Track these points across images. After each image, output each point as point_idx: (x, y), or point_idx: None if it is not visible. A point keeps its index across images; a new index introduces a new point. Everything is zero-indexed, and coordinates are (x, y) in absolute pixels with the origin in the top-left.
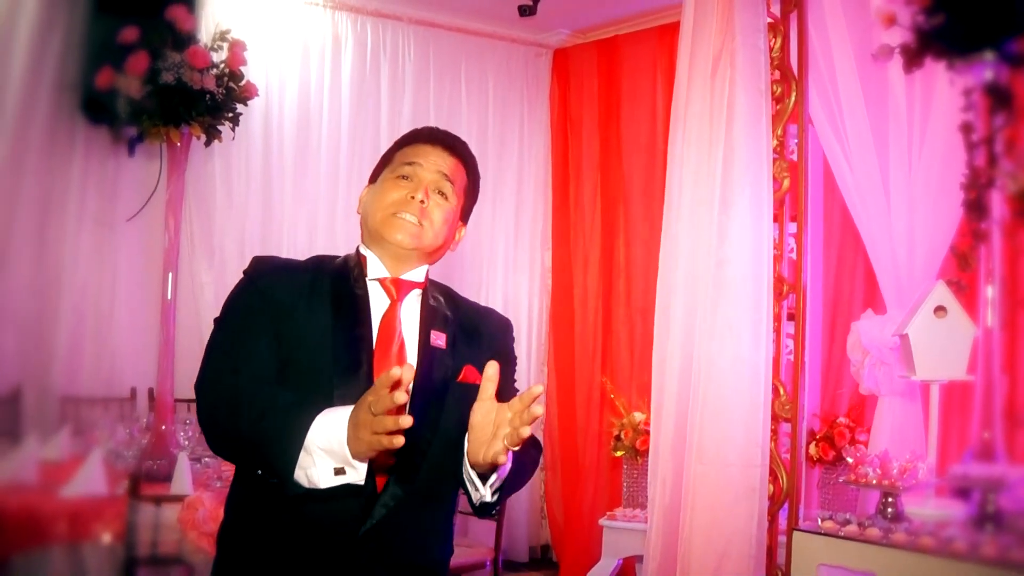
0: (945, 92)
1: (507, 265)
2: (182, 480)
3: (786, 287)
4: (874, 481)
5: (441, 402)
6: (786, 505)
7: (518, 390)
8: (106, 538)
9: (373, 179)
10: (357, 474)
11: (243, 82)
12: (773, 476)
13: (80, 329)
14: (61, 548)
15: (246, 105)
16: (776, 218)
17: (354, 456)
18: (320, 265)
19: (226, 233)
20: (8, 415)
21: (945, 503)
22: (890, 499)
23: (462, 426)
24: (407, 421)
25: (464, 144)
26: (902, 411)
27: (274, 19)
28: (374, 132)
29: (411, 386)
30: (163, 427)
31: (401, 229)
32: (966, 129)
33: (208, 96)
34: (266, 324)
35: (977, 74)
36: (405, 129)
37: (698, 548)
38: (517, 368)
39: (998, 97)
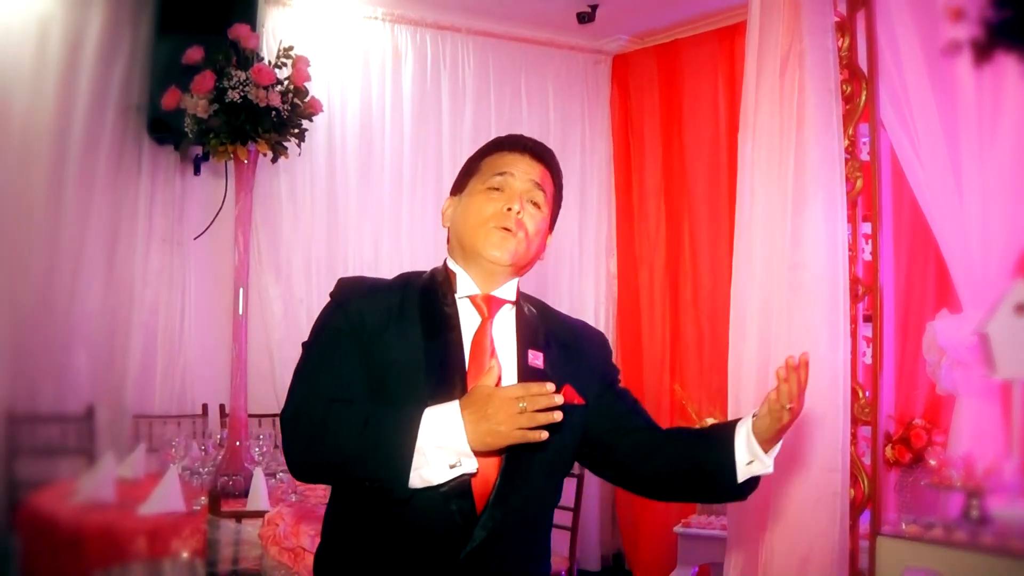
0: (1017, 86)
1: (572, 272)
2: (258, 496)
3: (862, 288)
4: (958, 483)
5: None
6: (867, 510)
7: (633, 396)
8: (185, 554)
9: (457, 190)
10: (471, 463)
11: (308, 98)
12: (854, 480)
13: (151, 347)
14: (140, 564)
15: (311, 120)
16: (850, 219)
17: (473, 447)
18: (408, 283)
19: (293, 248)
20: (82, 433)
21: None
22: (975, 501)
23: (562, 448)
24: (558, 416)
25: (550, 151)
26: (982, 412)
27: (334, 34)
28: (436, 144)
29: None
30: (237, 443)
31: (497, 245)
32: None
33: (274, 113)
34: (355, 348)
35: None
36: (467, 140)
37: (780, 554)
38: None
39: None
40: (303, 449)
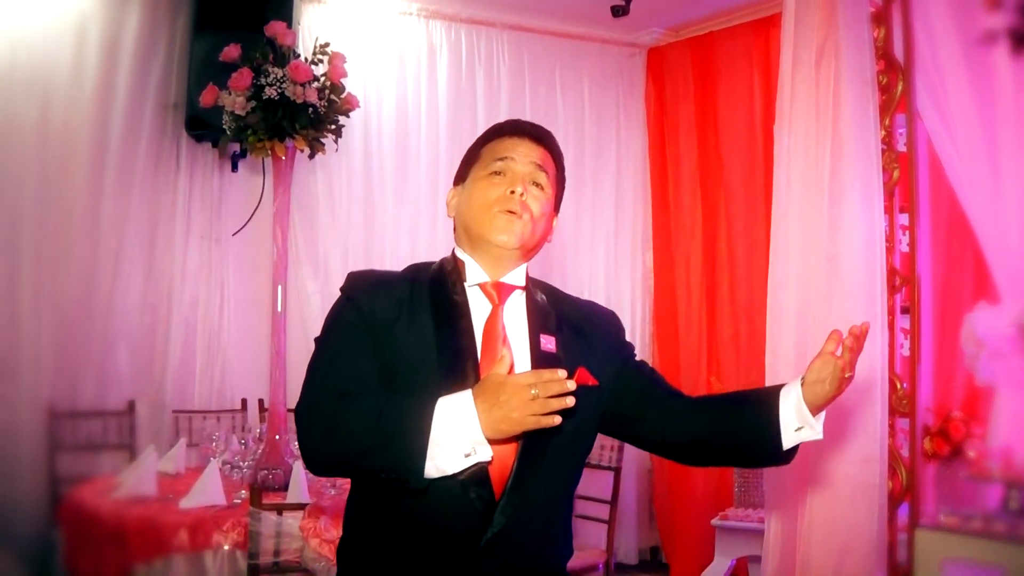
0: None
1: (608, 266)
2: (298, 489)
3: (899, 280)
4: (997, 475)
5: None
6: (906, 502)
7: (650, 366)
8: (227, 547)
9: (459, 179)
10: (486, 451)
11: (344, 94)
12: (892, 472)
13: (190, 343)
14: (182, 557)
15: (348, 117)
16: (887, 210)
17: (487, 435)
18: (416, 274)
19: (330, 243)
20: (123, 428)
21: None
22: (1014, 492)
23: (578, 431)
24: (571, 402)
25: (549, 132)
26: (1021, 403)
27: (369, 30)
28: (471, 139)
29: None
30: (277, 437)
31: (503, 229)
32: None
33: (311, 109)
34: (367, 340)
35: None
36: None
37: (817, 546)
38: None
39: None
40: (318, 443)
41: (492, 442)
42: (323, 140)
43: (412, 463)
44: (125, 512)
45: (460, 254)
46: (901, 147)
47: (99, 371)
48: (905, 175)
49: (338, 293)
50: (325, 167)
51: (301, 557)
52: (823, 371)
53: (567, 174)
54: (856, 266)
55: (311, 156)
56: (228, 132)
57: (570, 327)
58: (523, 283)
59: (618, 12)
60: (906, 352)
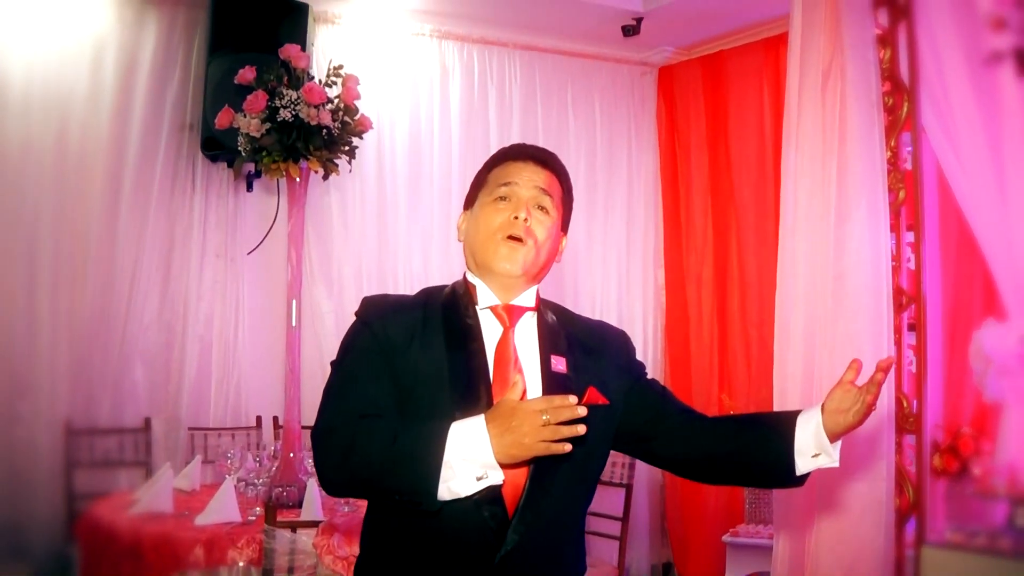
0: None
1: (620, 284)
2: (312, 506)
3: (905, 298)
4: (1002, 492)
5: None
6: (913, 519)
7: (661, 384)
8: (241, 564)
9: (468, 204)
10: (498, 475)
11: (358, 116)
12: (900, 489)
13: (205, 360)
14: (198, 574)
15: (361, 138)
16: (893, 228)
17: (499, 459)
18: (429, 298)
19: (344, 262)
20: (139, 445)
21: None
22: (1020, 509)
23: (589, 450)
24: (582, 429)
25: (554, 155)
26: None
27: (383, 51)
28: (484, 158)
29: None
30: (291, 454)
31: (507, 258)
32: None
33: (325, 131)
34: (382, 364)
35: None
36: None
37: (825, 563)
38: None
39: None
40: (334, 466)
41: (503, 466)
42: (337, 161)
43: (426, 486)
44: (141, 528)
45: (471, 278)
46: (908, 166)
47: (116, 388)
48: (911, 194)
49: (351, 312)
50: (339, 187)
51: (315, 574)
52: (844, 401)
53: (578, 192)
54: (862, 285)
55: (325, 177)
56: (243, 153)
57: (580, 347)
58: (533, 304)
59: (629, 32)
60: (914, 370)
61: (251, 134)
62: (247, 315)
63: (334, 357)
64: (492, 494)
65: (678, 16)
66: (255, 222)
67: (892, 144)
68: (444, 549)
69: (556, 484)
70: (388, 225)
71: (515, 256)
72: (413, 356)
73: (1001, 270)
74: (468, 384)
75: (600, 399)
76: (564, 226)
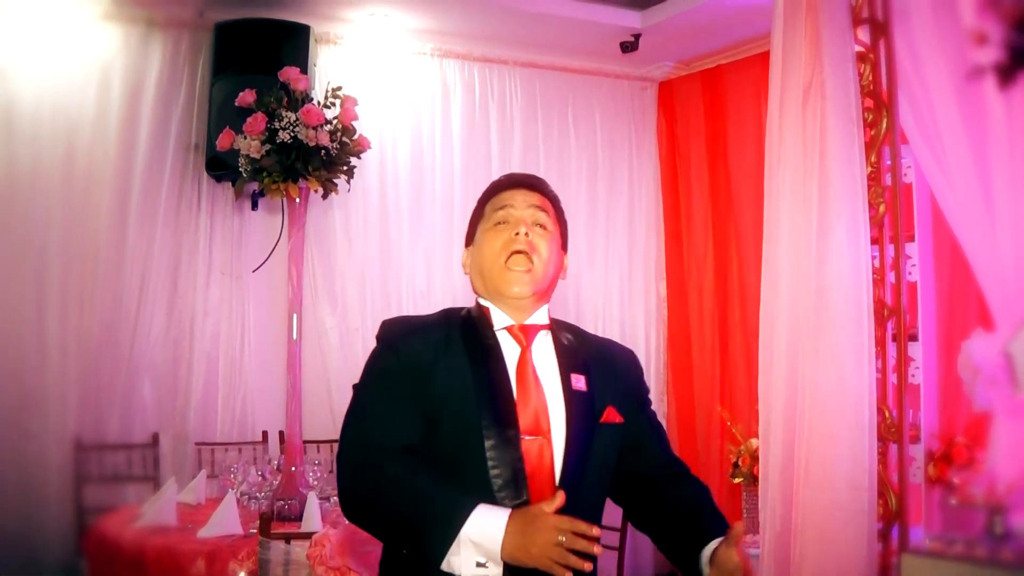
0: None
1: (623, 297)
2: (312, 518)
3: (887, 310)
4: (980, 500)
5: (589, 446)
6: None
7: (658, 422)
8: (242, 575)
9: (469, 240)
10: (497, 570)
11: (356, 136)
12: (885, 499)
13: (212, 377)
14: None
15: (359, 158)
16: (876, 242)
17: (505, 558)
18: (449, 318)
19: (347, 279)
20: (147, 461)
21: None
22: (997, 517)
23: (605, 468)
24: (588, 567)
25: (542, 179)
26: (1018, 429)
27: (384, 70)
28: (485, 174)
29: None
30: (293, 468)
31: (515, 281)
32: None
33: (323, 151)
34: (406, 388)
35: None
36: (516, 169)
37: (809, 570)
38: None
39: None
40: (357, 506)
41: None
42: (336, 181)
43: (434, 553)
44: (145, 541)
45: (483, 302)
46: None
47: (124, 405)
48: (892, 208)
49: (355, 328)
50: (343, 204)
51: None
52: (729, 563)
53: (580, 206)
54: (844, 297)
55: (324, 196)
56: (244, 174)
57: (597, 367)
58: (547, 323)
59: (627, 48)
60: (895, 381)
61: (251, 155)
62: (253, 332)
63: (339, 373)
64: (518, 506)
65: (676, 32)
66: (260, 240)
67: (873, 159)
68: None
69: (580, 500)
70: (391, 242)
71: (524, 279)
72: (440, 372)
73: (988, 281)
74: (494, 403)
75: (616, 418)
76: (564, 244)
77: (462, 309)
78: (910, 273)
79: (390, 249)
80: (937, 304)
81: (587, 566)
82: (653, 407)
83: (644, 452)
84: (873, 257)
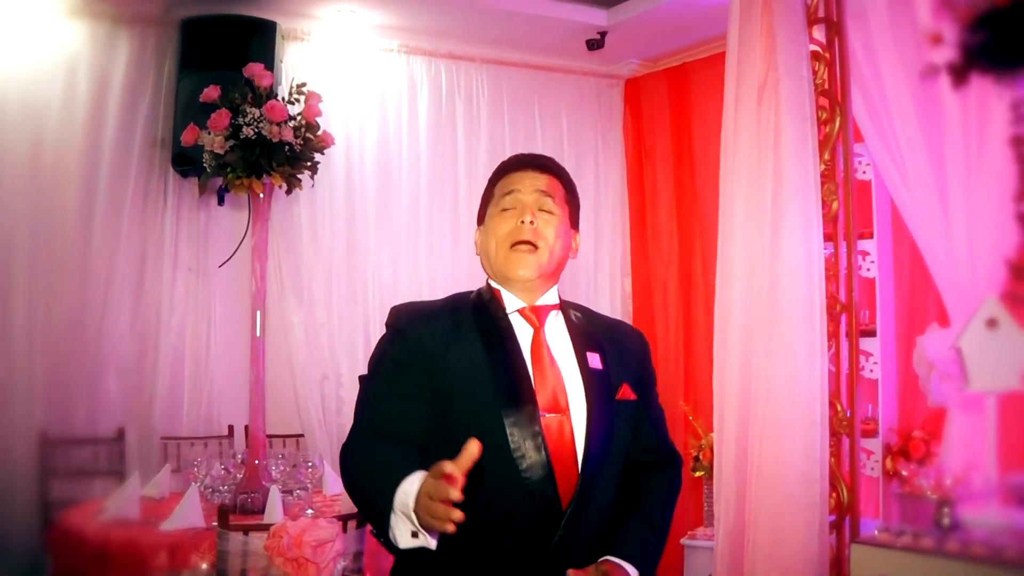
0: (1000, 107)
1: (588, 292)
2: (274, 512)
3: (839, 306)
4: (928, 492)
5: (610, 423)
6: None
7: (658, 407)
8: (205, 567)
9: (480, 220)
10: (428, 540)
11: (320, 132)
12: (837, 492)
13: (178, 372)
14: None
15: (323, 154)
16: (831, 238)
17: (422, 524)
18: (457, 303)
19: (314, 274)
20: (113, 455)
21: (1006, 512)
22: (945, 509)
23: (626, 442)
24: (458, 516)
25: (551, 159)
26: (971, 423)
27: (352, 66)
28: (452, 170)
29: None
30: (256, 462)
31: (520, 264)
32: (1016, 142)
33: (287, 147)
34: (414, 376)
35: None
36: (482, 167)
37: (762, 564)
38: None
39: None
40: (345, 482)
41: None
42: (300, 177)
43: (379, 527)
44: (109, 534)
45: (494, 284)
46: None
47: (90, 399)
48: (845, 205)
49: (321, 323)
50: (309, 200)
51: (266, 575)
52: None
53: None
54: (796, 293)
55: (288, 192)
56: (208, 170)
57: (611, 344)
58: (557, 303)
59: (593, 46)
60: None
61: (215, 151)
62: (219, 326)
63: (304, 368)
64: (543, 485)
65: (642, 30)
66: (226, 235)
67: (826, 157)
68: (492, 544)
69: (603, 476)
70: (358, 238)
71: (528, 261)
72: (452, 359)
73: (943, 277)
74: (511, 383)
75: (630, 395)
76: (574, 221)
77: (471, 292)
78: (868, 270)
79: (356, 244)
80: (897, 300)
81: (449, 528)
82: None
83: (635, 434)
84: (829, 254)
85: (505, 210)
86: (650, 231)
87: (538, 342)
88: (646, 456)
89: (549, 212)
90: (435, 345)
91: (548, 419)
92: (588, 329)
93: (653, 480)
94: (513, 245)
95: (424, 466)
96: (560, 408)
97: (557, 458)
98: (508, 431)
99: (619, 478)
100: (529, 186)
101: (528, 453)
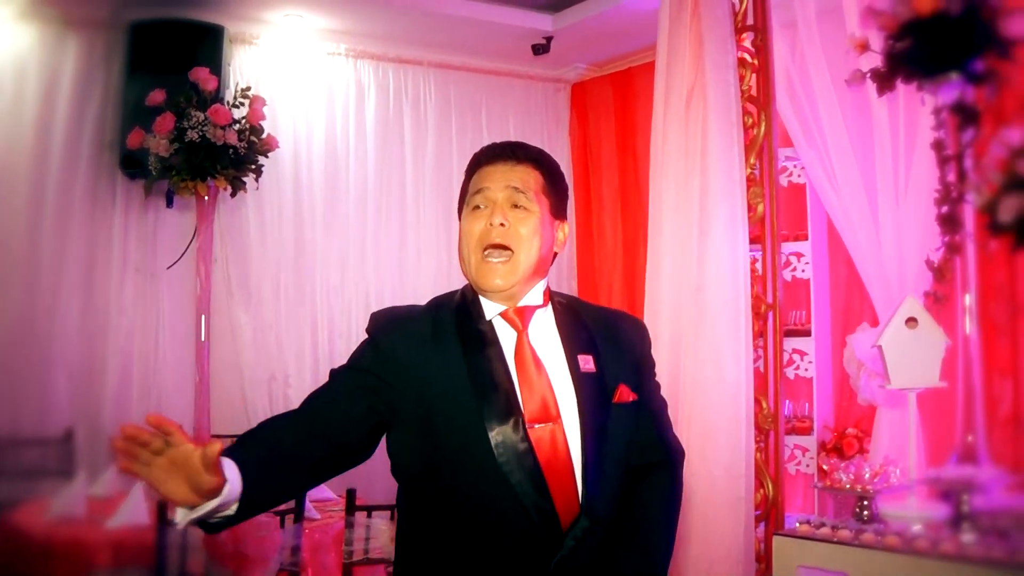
0: (926, 112)
1: None
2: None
3: (764, 306)
4: (847, 486)
5: (607, 429)
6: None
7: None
8: (144, 563)
9: (460, 215)
10: (187, 513)
11: (264, 135)
12: (760, 485)
13: (127, 372)
14: (105, 573)
15: (267, 157)
16: (759, 240)
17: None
18: (439, 307)
19: (262, 275)
20: (62, 456)
21: (923, 505)
22: (865, 502)
23: (626, 446)
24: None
25: (526, 146)
26: (897, 420)
27: (299, 70)
28: (399, 173)
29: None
30: None
31: (492, 273)
32: (938, 146)
33: (231, 150)
34: (368, 382)
35: (945, 93)
36: (429, 169)
37: (692, 555)
38: None
39: (965, 115)
40: None
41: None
42: (244, 179)
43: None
44: (53, 532)
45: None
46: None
47: (39, 400)
48: (769, 207)
49: (269, 325)
50: (257, 202)
51: (205, 569)
52: None
53: None
54: (722, 294)
55: (233, 194)
56: (153, 172)
57: (604, 341)
58: (542, 301)
59: (539, 50)
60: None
61: (160, 154)
62: (167, 328)
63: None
64: (537, 501)
65: (588, 35)
66: (175, 237)
67: (752, 161)
68: (496, 558)
69: (604, 484)
70: (305, 240)
71: (501, 271)
72: (432, 368)
73: (871, 279)
74: (491, 389)
75: (629, 396)
76: (557, 212)
77: (454, 294)
78: (803, 271)
79: (304, 246)
80: (832, 300)
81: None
82: None
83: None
84: (757, 256)
85: (476, 208)
86: (595, 233)
87: (521, 346)
88: (643, 457)
89: (524, 208)
90: (410, 354)
91: (538, 430)
92: (579, 327)
93: (645, 493)
94: (485, 249)
95: (334, 473)
96: (551, 417)
97: (551, 471)
98: (494, 447)
99: (622, 483)
100: (500, 182)
101: (516, 469)
